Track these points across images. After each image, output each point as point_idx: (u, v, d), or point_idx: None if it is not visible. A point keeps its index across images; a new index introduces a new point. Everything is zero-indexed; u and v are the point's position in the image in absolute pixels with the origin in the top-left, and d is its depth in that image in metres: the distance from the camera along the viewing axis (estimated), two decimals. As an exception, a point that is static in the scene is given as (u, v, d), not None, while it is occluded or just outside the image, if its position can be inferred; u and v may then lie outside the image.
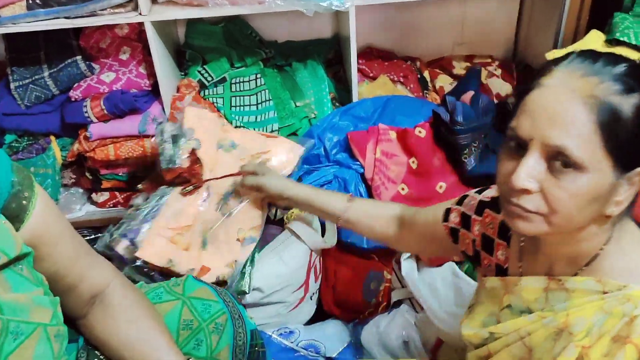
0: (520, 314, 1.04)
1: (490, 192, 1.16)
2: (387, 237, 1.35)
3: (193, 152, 1.56)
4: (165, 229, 1.51)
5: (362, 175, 1.70)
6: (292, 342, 1.60)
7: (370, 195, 1.68)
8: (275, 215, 1.68)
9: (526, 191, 0.86)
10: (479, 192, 1.19)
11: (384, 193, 1.65)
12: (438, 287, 1.54)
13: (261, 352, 1.19)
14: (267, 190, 1.49)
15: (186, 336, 1.06)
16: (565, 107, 0.82)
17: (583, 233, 0.91)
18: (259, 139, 1.71)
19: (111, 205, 2.00)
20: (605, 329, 0.90)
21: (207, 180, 1.58)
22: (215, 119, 1.72)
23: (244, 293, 1.50)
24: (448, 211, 1.22)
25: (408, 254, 1.68)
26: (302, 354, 1.58)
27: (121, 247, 1.48)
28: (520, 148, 0.87)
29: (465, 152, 1.62)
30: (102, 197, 1.99)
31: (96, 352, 1.03)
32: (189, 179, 1.59)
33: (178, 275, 1.39)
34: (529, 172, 0.85)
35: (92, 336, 1.02)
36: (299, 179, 1.68)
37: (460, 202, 1.21)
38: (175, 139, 1.57)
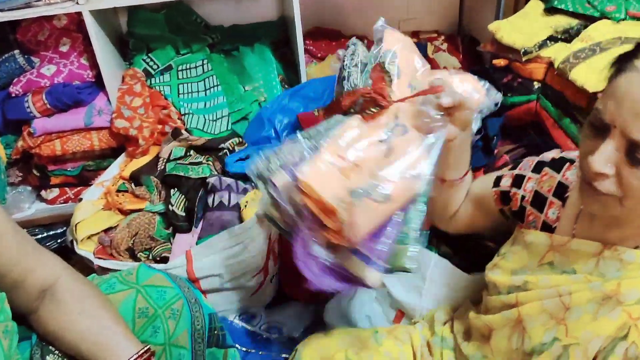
0: (562, 273, 1.04)
1: (551, 154, 1.17)
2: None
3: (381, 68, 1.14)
4: (336, 156, 1.02)
5: (315, 154, 1.70)
6: (254, 326, 1.60)
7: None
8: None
9: (602, 175, 0.86)
10: (535, 155, 1.20)
11: (337, 171, 1.65)
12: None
13: (221, 335, 1.18)
14: (469, 105, 1.07)
15: (142, 324, 1.05)
16: None
17: None
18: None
19: (62, 201, 1.96)
20: None
21: (396, 101, 1.11)
22: (415, 51, 1.24)
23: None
24: (499, 178, 1.23)
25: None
26: (264, 336, 1.58)
27: (279, 181, 1.02)
28: (602, 130, 0.85)
29: (415, 126, 1.63)
30: (51, 193, 1.95)
31: (50, 347, 1.01)
32: (372, 102, 1.11)
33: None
34: (606, 157, 0.84)
35: (45, 331, 1.00)
36: (246, 158, 1.66)
37: (512, 168, 1.23)
38: (364, 67, 1.20)
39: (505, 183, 1.22)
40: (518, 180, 1.19)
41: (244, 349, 1.55)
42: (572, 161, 1.12)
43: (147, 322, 1.05)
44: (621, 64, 0.84)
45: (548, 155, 1.18)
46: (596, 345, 0.97)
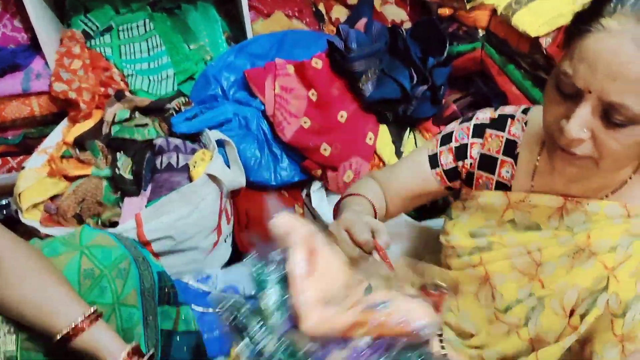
0: (525, 229, 1.04)
1: (486, 114, 1.13)
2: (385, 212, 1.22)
3: None
4: None
5: (264, 112, 1.68)
6: (209, 287, 1.59)
7: (273, 130, 1.66)
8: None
9: (578, 140, 0.83)
10: (464, 121, 1.15)
11: (286, 128, 1.64)
12: (347, 213, 1.56)
13: (172, 292, 1.17)
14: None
15: (89, 285, 1.02)
16: (629, 61, 0.75)
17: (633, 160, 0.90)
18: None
19: (4, 171, 1.90)
20: (633, 251, 0.91)
21: None
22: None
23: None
24: (434, 157, 1.16)
25: (317, 186, 1.70)
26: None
27: None
28: (573, 95, 0.82)
29: (362, 79, 1.62)
30: (-7, 164, 1.88)
31: (-6, 313, 0.98)
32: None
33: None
34: (582, 122, 0.82)
35: None
36: (194, 117, 1.63)
37: (446, 141, 1.15)
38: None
39: (447, 160, 1.16)
40: (461, 152, 1.14)
41: (200, 309, 1.54)
42: (512, 117, 1.10)
43: (94, 283, 1.03)
44: (584, 23, 0.80)
45: (483, 117, 1.13)
46: (572, 296, 0.98)
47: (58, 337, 0.95)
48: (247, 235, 1.71)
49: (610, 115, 0.79)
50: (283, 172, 1.66)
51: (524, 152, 1.06)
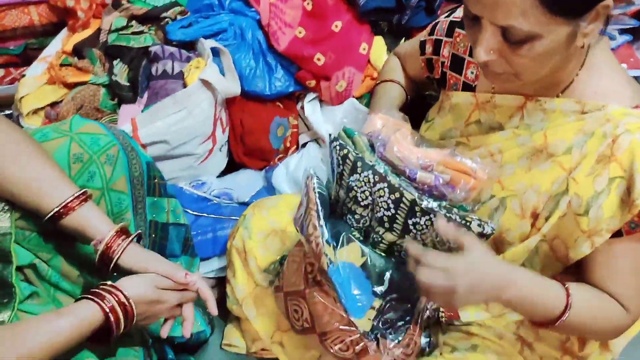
0: (489, 130, 1.09)
1: (461, 12, 1.17)
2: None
3: None
4: None
5: (259, 22, 1.68)
6: (204, 192, 1.64)
7: (268, 41, 1.67)
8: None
9: (489, 61, 0.90)
10: (450, 13, 1.19)
11: (281, 38, 1.65)
12: (338, 121, 1.59)
13: (161, 184, 1.21)
14: None
15: (78, 170, 1.07)
16: None
17: (562, 64, 0.94)
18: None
19: (7, 82, 1.93)
20: (587, 150, 0.95)
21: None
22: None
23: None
24: (423, 44, 1.24)
25: (311, 97, 1.72)
26: (214, 202, 1.63)
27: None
28: (476, 20, 0.89)
29: (357, -13, 1.62)
30: (-4, 74, 1.92)
31: (-12, 193, 1.03)
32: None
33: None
34: (486, 46, 0.88)
35: None
36: (189, 25, 1.64)
37: (432, 31, 1.22)
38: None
39: (428, 50, 1.22)
40: (437, 46, 1.20)
41: (194, 213, 1.60)
42: None
43: (83, 167, 1.07)
44: None
45: (458, 14, 1.17)
46: (531, 196, 1.03)
47: (49, 216, 1.00)
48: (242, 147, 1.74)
49: (506, 36, 0.86)
50: (277, 82, 1.68)
51: None
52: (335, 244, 1.02)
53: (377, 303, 1.02)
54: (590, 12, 0.85)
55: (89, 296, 0.92)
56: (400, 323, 1.06)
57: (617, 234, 0.96)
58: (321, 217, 1.00)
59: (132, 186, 1.13)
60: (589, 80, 0.98)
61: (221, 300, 1.49)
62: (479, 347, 1.16)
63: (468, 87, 1.14)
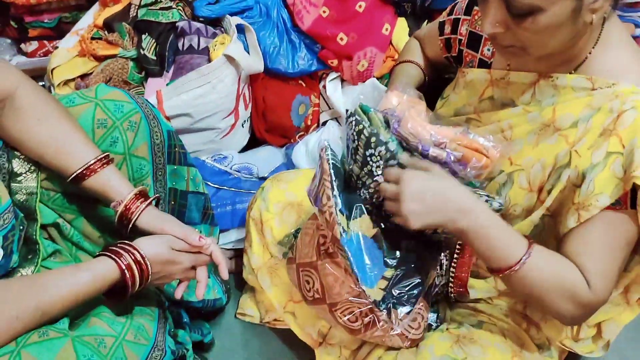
0: (502, 106, 1.11)
1: None
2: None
3: None
4: None
5: (284, 0, 1.71)
6: (225, 166, 1.68)
7: (292, 20, 1.70)
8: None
9: (496, 34, 0.93)
10: None
11: (305, 17, 1.67)
12: (359, 100, 1.60)
13: (181, 153, 1.25)
14: None
15: (102, 134, 1.12)
16: None
17: (571, 40, 0.95)
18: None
19: (41, 54, 1.99)
20: (592, 124, 0.96)
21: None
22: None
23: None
24: (442, 25, 1.26)
25: (333, 76, 1.74)
26: (234, 175, 1.67)
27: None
28: None
29: (382, -32, 1.63)
30: (30, 46, 1.98)
31: (16, 152, 1.08)
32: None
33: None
34: (492, 20, 0.91)
35: (8, 137, 1.06)
36: (216, 2, 1.68)
37: (451, 12, 1.25)
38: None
39: (447, 30, 1.24)
40: (455, 25, 1.22)
41: (215, 185, 1.64)
42: None
43: (106, 132, 1.12)
44: None
45: None
46: (537, 170, 1.04)
47: (72, 176, 1.05)
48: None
49: (510, 9, 0.88)
50: (301, 61, 1.70)
51: None
52: (348, 215, 1.05)
53: (388, 273, 1.04)
54: None
55: (107, 253, 0.97)
56: (410, 294, 1.08)
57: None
58: (335, 187, 1.02)
59: (152, 153, 1.18)
60: (603, 57, 0.99)
61: (238, 271, 1.54)
62: (484, 324, 1.17)
63: (484, 65, 1.15)
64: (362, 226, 1.05)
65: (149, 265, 0.99)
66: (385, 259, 1.05)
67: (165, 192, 1.24)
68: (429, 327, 1.20)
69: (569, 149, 0.99)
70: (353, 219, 1.04)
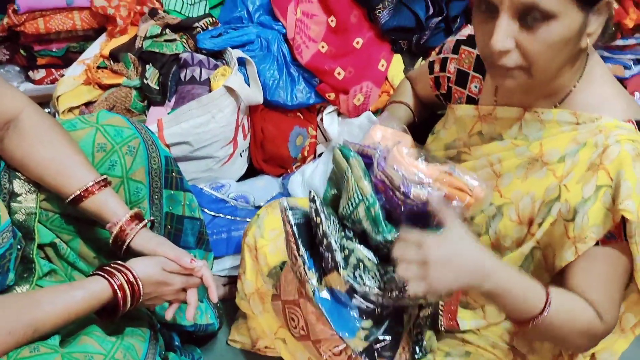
0: (490, 140, 1.13)
1: (467, 31, 1.23)
2: None
3: None
4: None
5: (284, 35, 1.77)
6: (222, 194, 1.72)
7: (292, 54, 1.75)
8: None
9: (506, 51, 0.92)
10: (455, 34, 1.27)
11: (304, 51, 1.73)
12: (355, 132, 1.65)
13: (178, 178, 1.28)
14: None
15: (101, 157, 1.15)
16: None
17: (566, 65, 0.97)
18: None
19: (48, 82, 2.04)
20: (578, 159, 0.99)
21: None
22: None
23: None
24: (432, 64, 1.30)
25: (330, 109, 1.79)
26: (231, 204, 1.70)
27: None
28: (491, 11, 0.92)
29: (379, 7, 1.69)
30: (38, 74, 2.03)
31: (17, 173, 1.12)
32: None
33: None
34: (504, 33, 0.90)
35: (11, 159, 1.10)
36: (219, 35, 1.73)
37: (440, 51, 1.28)
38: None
39: (436, 69, 1.28)
40: (443, 64, 1.26)
41: (212, 213, 1.67)
42: None
43: (105, 156, 1.16)
44: None
45: (465, 33, 1.23)
46: (526, 203, 1.07)
47: (71, 198, 1.08)
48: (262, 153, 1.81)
49: (525, 17, 0.88)
50: (299, 93, 1.75)
51: None
52: (318, 268, 1.04)
53: (366, 324, 1.03)
54: (599, 4, 0.90)
55: (101, 273, 1.00)
56: (391, 343, 1.06)
57: (594, 243, 0.98)
58: (300, 247, 1.03)
59: (150, 177, 1.21)
60: (586, 91, 1.02)
61: (232, 298, 1.56)
62: (472, 354, 1.18)
63: (472, 101, 1.19)
64: (335, 281, 1.04)
65: (140, 286, 1.02)
66: (361, 310, 1.04)
67: (162, 215, 1.27)
68: (412, 357, 1.20)
69: (558, 183, 1.02)
70: (327, 275, 1.04)
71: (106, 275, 0.99)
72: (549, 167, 1.03)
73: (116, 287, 0.99)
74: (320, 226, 1.01)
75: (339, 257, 0.99)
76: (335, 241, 1.00)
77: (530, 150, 1.06)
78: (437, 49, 1.31)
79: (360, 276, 0.99)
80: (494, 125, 1.13)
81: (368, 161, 1.09)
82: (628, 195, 0.92)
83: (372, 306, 1.04)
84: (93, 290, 0.98)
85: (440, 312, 1.21)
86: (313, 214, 1.03)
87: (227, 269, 1.64)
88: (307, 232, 1.07)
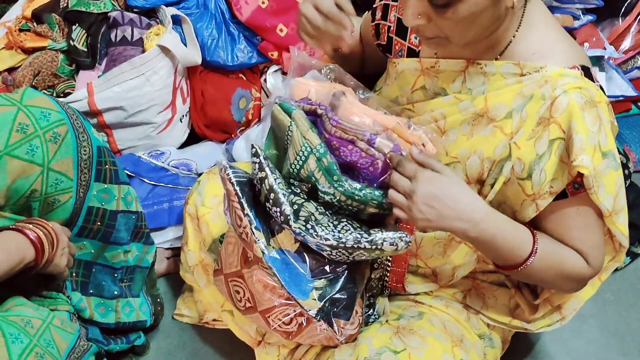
0: (434, 95, 1.08)
1: None
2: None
3: None
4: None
5: (222, -9, 1.66)
6: (162, 162, 1.62)
7: (231, 11, 1.65)
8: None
9: (419, 25, 0.91)
10: None
11: (244, 8, 1.63)
12: (275, 102, 1.57)
13: (112, 170, 1.18)
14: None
15: (19, 139, 1.02)
16: None
17: (493, 25, 0.93)
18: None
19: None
20: (527, 114, 0.96)
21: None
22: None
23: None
24: (374, 11, 1.23)
25: (274, 69, 1.70)
26: (172, 172, 1.61)
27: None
28: None
29: (321, -43, 1.59)
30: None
31: None
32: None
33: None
34: (414, 11, 0.90)
35: None
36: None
37: None
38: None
39: (377, 16, 1.22)
40: (385, 11, 1.19)
41: (152, 182, 1.58)
42: None
43: (24, 138, 1.03)
44: None
45: None
46: (474, 162, 1.03)
47: None
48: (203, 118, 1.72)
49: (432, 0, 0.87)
50: (240, 53, 1.66)
51: None
52: (266, 229, 1.00)
53: (319, 284, 1.01)
54: None
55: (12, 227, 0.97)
56: (347, 302, 1.04)
57: (563, 195, 0.97)
58: (245, 206, 0.98)
59: (78, 169, 1.11)
60: (527, 39, 0.98)
61: (176, 271, 1.48)
62: (425, 314, 1.15)
63: (412, 53, 1.13)
64: (283, 241, 1.01)
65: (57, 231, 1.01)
66: (312, 270, 1.02)
67: (81, 210, 1.17)
68: (366, 321, 1.16)
69: (507, 141, 0.98)
70: (275, 236, 1.01)
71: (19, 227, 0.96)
72: (496, 123, 0.99)
73: (32, 237, 0.96)
74: (266, 180, 0.96)
75: (288, 209, 0.95)
76: (284, 194, 0.96)
77: (474, 105, 1.01)
78: None
79: (313, 227, 0.94)
80: (437, 79, 1.08)
81: (311, 118, 1.03)
82: (581, 148, 0.90)
83: (325, 264, 1.01)
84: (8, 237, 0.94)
85: (386, 274, 1.18)
86: (257, 168, 0.98)
87: (170, 239, 1.57)
88: (251, 192, 1.01)
